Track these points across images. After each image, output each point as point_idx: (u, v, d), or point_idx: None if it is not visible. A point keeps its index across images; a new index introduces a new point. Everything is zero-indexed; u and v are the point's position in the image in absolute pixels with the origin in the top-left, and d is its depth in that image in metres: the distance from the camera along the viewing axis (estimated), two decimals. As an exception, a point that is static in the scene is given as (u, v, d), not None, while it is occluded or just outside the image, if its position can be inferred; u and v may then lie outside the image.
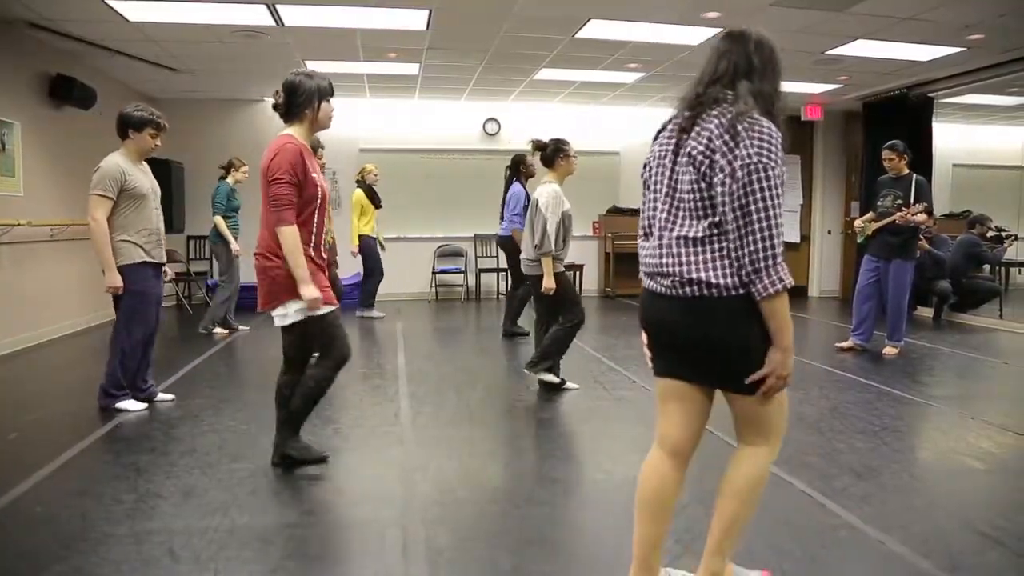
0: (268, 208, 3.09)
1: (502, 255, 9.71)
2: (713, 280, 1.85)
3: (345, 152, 9.35)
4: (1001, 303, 7.94)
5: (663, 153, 1.99)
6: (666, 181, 1.97)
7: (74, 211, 7.00)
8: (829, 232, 10.36)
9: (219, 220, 6.80)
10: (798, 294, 10.36)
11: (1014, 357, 6.17)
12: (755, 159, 1.78)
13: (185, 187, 9.09)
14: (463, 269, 10.03)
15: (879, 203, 6.11)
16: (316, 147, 5.05)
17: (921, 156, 8.58)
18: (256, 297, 3.21)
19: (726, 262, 1.84)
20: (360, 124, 9.51)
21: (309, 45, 6.90)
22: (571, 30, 6.36)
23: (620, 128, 10.14)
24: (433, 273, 9.91)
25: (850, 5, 5.56)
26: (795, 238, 10.44)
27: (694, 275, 1.87)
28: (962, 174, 10.60)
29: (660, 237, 1.96)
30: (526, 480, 3.29)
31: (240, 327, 7.12)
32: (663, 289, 1.94)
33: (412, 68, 7.76)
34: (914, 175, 5.98)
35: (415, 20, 6.09)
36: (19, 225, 5.94)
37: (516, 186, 6.77)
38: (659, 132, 2.07)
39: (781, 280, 1.80)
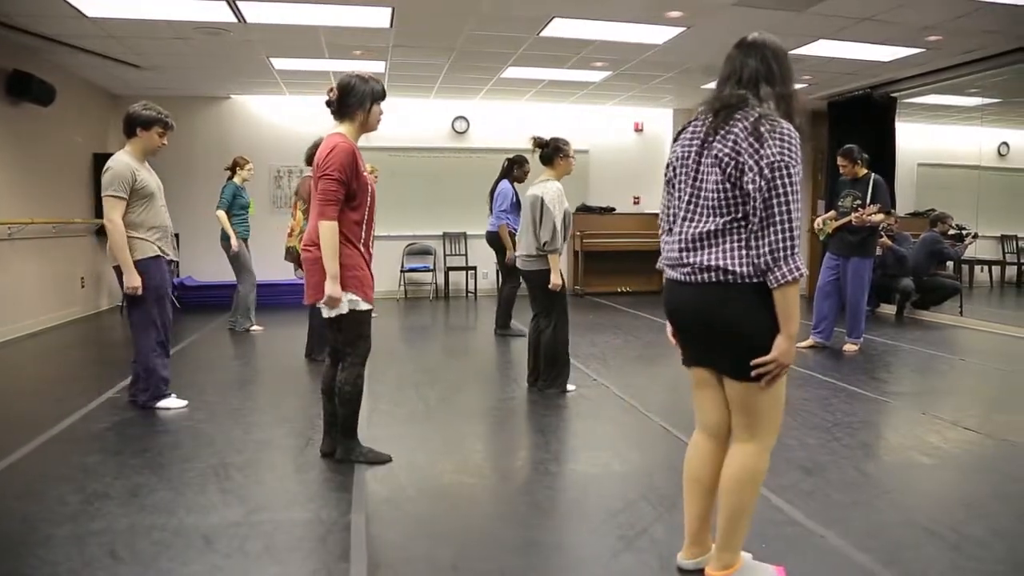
0: (316, 201, 3.13)
1: (473, 253, 9.80)
2: (730, 267, 1.99)
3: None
4: (962, 300, 8.08)
5: (686, 154, 2.12)
6: (690, 181, 2.10)
7: (34, 209, 6.89)
8: (816, 230, 10.42)
9: (221, 215, 6.71)
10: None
11: (971, 354, 6.30)
12: (778, 158, 1.92)
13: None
14: (432, 267, 10.01)
15: (839, 203, 6.21)
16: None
17: (885, 155, 8.73)
18: (304, 293, 3.29)
19: (743, 252, 1.98)
20: (328, 122, 9.41)
21: (273, 42, 6.84)
22: (535, 28, 6.37)
23: (588, 127, 10.19)
24: (402, 271, 9.88)
25: (810, 5, 5.62)
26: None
27: (712, 262, 2.01)
28: (927, 173, 10.77)
29: (681, 232, 2.10)
30: (476, 478, 3.29)
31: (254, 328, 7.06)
32: (682, 277, 2.09)
33: (378, 66, 7.72)
34: (873, 175, 6.07)
35: (378, 18, 6.07)
36: (-26, 223, 5.85)
37: (504, 183, 6.78)
38: (679, 133, 2.19)
39: (797, 269, 1.93)
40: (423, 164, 9.95)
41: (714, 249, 2.02)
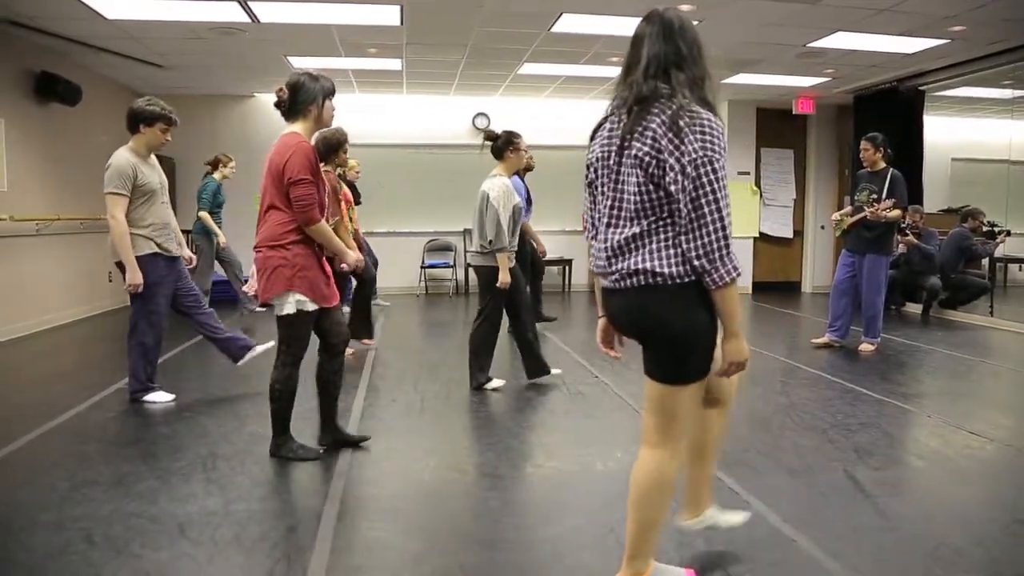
0: (286, 206, 3.16)
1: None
2: (658, 268, 1.89)
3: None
4: (992, 300, 7.81)
5: (606, 155, 1.99)
6: (611, 184, 1.98)
7: (60, 206, 7.12)
8: (822, 227, 10.23)
9: (205, 215, 6.86)
10: (791, 290, 10.30)
11: (995, 356, 6.08)
12: (700, 154, 1.81)
13: (176, 183, 9.18)
14: (452, 263, 10.06)
15: (856, 197, 6.06)
16: (343, 142, 5.26)
17: (913, 150, 8.50)
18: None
19: (671, 251, 1.88)
20: (349, 119, 9.48)
21: (289, 41, 6.95)
22: (545, 24, 6.35)
23: (610, 122, 10.09)
24: (422, 267, 9.95)
25: (823, -4, 5.51)
26: (787, 233, 10.34)
27: (639, 265, 1.92)
28: (961, 168, 10.44)
29: (607, 239, 1.99)
30: (457, 473, 3.30)
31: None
32: (612, 284, 2.00)
33: (395, 64, 7.78)
34: (891, 169, 5.91)
35: (388, 16, 6.11)
36: (0, 220, 6.04)
37: (514, 178, 6.76)
38: (595, 130, 2.06)
39: (735, 269, 1.85)
40: (444, 161, 9.99)
41: (640, 251, 1.91)
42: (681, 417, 2.01)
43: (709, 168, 1.82)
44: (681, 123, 1.83)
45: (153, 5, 5.76)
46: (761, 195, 10.28)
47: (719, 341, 1.95)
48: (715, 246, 1.83)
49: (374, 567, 2.41)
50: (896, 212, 5.82)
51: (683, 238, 1.85)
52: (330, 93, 3.27)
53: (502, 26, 6.43)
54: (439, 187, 9.98)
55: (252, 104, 9.47)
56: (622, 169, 1.94)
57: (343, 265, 3.58)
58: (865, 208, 5.84)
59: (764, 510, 2.79)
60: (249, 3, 5.74)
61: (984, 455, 3.55)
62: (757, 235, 10.29)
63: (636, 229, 1.92)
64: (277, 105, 3.25)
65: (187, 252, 4.53)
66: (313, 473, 3.23)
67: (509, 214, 4.44)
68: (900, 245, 7.74)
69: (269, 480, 3.18)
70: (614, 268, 1.97)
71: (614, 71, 8.17)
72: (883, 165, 5.95)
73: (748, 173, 10.15)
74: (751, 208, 10.20)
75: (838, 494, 3.01)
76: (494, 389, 4.63)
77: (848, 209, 6.17)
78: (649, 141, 1.87)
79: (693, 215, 1.83)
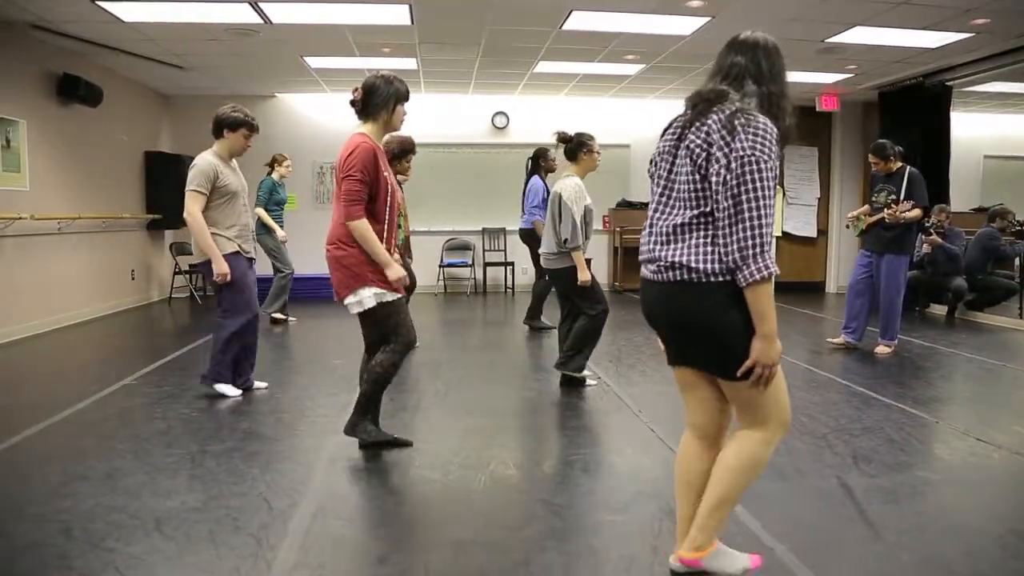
0: (339, 201, 3.23)
1: (511, 249, 9.79)
2: (694, 264, 1.93)
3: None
4: (1022, 301, 7.53)
5: (667, 148, 2.09)
6: (665, 174, 2.07)
7: (82, 205, 7.29)
8: (847, 227, 9.99)
9: (261, 211, 6.96)
10: (815, 290, 10.09)
11: (1018, 360, 5.82)
12: (749, 152, 1.86)
13: (199, 182, 9.36)
14: (471, 263, 10.06)
15: (873, 198, 5.92)
16: (406, 153, 5.31)
17: (939, 147, 8.27)
18: (333, 289, 3.37)
19: (709, 248, 1.93)
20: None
21: (304, 42, 7.01)
22: (556, 22, 6.31)
23: (629, 121, 10.00)
24: (440, 267, 9.97)
25: (837, -9, 5.38)
26: (811, 232, 10.13)
27: (676, 259, 1.97)
28: (994, 166, 10.13)
29: (653, 225, 2.08)
30: (439, 473, 3.28)
31: (290, 318, 7.29)
32: (651, 274, 2.06)
33: (410, 63, 7.81)
34: (908, 168, 5.75)
35: (398, 15, 6.13)
36: (20, 219, 6.20)
37: (535, 179, 6.80)
38: (666, 129, 2.16)
39: (767, 268, 1.86)
40: (462, 159, 10.01)
41: (680, 244, 1.97)
42: (762, 408, 2.03)
43: (755, 167, 1.85)
44: (736, 122, 1.90)
45: (168, 8, 5.86)
46: (784, 194, 10.09)
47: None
48: (750, 243, 1.85)
49: (338, 565, 2.41)
50: (916, 212, 5.65)
51: (721, 233, 1.89)
52: (403, 98, 3.35)
53: (513, 24, 6.41)
54: (458, 186, 10.00)
55: (273, 104, 9.58)
56: (677, 160, 2.03)
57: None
58: (884, 211, 5.69)
59: (746, 515, 2.72)
60: (260, 4, 5.81)
61: (989, 463, 3.42)
62: (780, 234, 10.10)
63: (680, 219, 1.98)
64: (352, 104, 3.34)
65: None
66: (296, 470, 3.25)
67: (582, 214, 4.45)
68: (924, 245, 7.53)
69: (254, 477, 3.19)
70: (655, 255, 2.03)
71: (632, 68, 8.11)
72: (898, 165, 5.79)
73: (771, 171, 9.96)
74: (774, 207, 10.01)
75: (827, 501, 2.93)
76: (589, 385, 4.68)
77: (866, 208, 6.02)
78: (703, 135, 1.95)
79: (732, 210, 1.86)
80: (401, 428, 3.93)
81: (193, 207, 4.11)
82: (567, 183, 4.52)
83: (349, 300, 3.28)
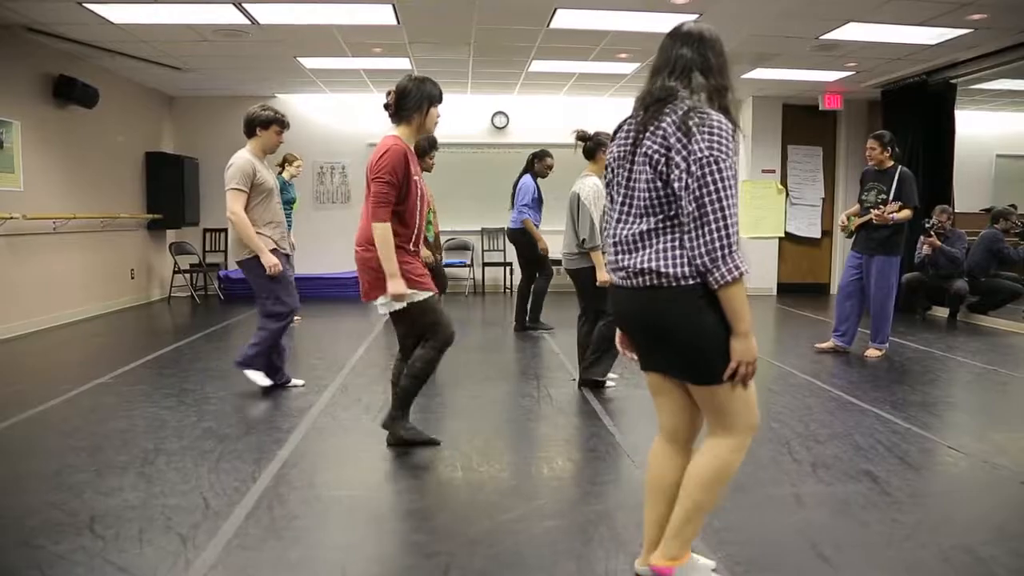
0: (368, 204, 3.25)
1: (511, 249, 9.72)
2: (663, 269, 1.92)
3: (352, 147, 9.51)
4: (1027, 305, 7.34)
5: (622, 154, 2.05)
6: (624, 181, 2.03)
7: (77, 205, 7.38)
8: (842, 231, 9.84)
9: None
10: (818, 292, 9.91)
11: (1011, 364, 5.61)
12: (707, 153, 1.84)
13: (200, 182, 9.46)
14: (469, 263, 10.04)
15: (863, 197, 5.79)
16: (432, 147, 5.33)
17: (943, 146, 8.09)
18: (359, 289, 3.41)
19: (677, 252, 1.91)
20: (367, 119, 9.61)
21: (296, 42, 7.04)
22: (542, 20, 6.27)
23: (630, 120, 9.90)
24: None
25: (824, -14, 5.27)
26: (815, 233, 9.96)
27: (644, 265, 1.95)
28: (1005, 165, 9.88)
29: (616, 234, 2.05)
30: (394, 478, 3.27)
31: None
32: (620, 281, 2.05)
33: (403, 63, 7.81)
34: (899, 168, 5.61)
35: (382, 15, 6.13)
36: (12, 219, 6.29)
37: (526, 178, 6.80)
38: (616, 132, 2.13)
39: (737, 268, 1.84)
40: (462, 159, 9.99)
41: (647, 250, 1.95)
42: (732, 412, 2.01)
43: (714, 167, 1.83)
44: (691, 123, 1.87)
45: (153, 10, 5.91)
46: (788, 194, 9.93)
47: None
48: (717, 244, 1.83)
49: (259, 568, 2.39)
50: (905, 213, 5.52)
51: (687, 237, 1.87)
52: (436, 100, 3.36)
53: (499, 23, 6.38)
54: (457, 186, 9.97)
55: (274, 104, 9.55)
56: (634, 167, 1.99)
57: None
58: (872, 211, 5.56)
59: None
60: (244, 5, 5.84)
61: (954, 472, 3.32)
62: (783, 235, 9.95)
63: (644, 226, 1.96)
64: (385, 108, 3.36)
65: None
66: (243, 470, 3.24)
67: (600, 213, 4.43)
68: (924, 247, 7.37)
69: (200, 476, 3.19)
70: (621, 264, 2.02)
71: (628, 67, 8.04)
72: (891, 163, 5.66)
73: (773, 171, 9.82)
74: (776, 207, 9.87)
75: (774, 510, 2.85)
76: (609, 386, 4.66)
77: (855, 208, 5.90)
78: (659, 139, 1.91)
79: (696, 213, 1.84)
80: (360, 429, 3.92)
81: (235, 205, 4.17)
82: (586, 183, 4.52)
83: (379, 302, 3.30)
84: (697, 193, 1.83)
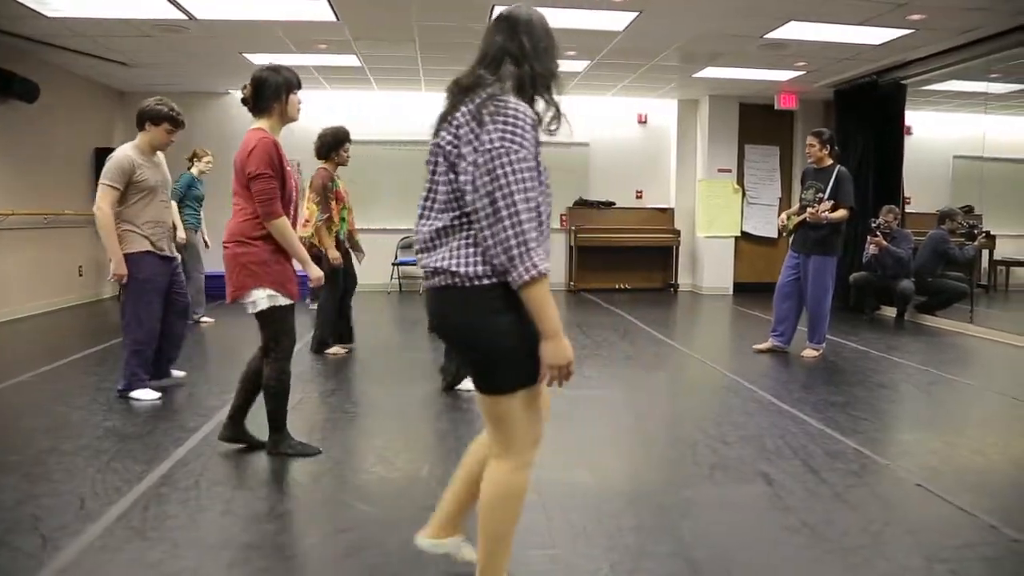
0: (249, 202, 3.18)
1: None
2: (455, 268, 1.81)
3: (306, 143, 9.38)
4: (972, 305, 7.37)
5: (431, 147, 1.95)
6: (431, 175, 1.94)
7: (17, 201, 7.26)
8: (781, 232, 9.87)
9: (173, 207, 6.84)
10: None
11: (945, 366, 5.58)
12: (498, 144, 1.73)
13: (153, 178, 9.33)
14: (426, 261, 9.97)
15: (802, 195, 5.79)
16: (345, 140, 5.43)
17: (894, 147, 8.12)
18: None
19: (471, 251, 1.80)
20: (322, 117, 9.48)
21: (239, 38, 6.95)
22: (482, 17, 6.21)
23: (589, 119, 9.88)
24: (394, 264, 9.91)
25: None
26: (772, 233, 9.97)
27: (439, 264, 1.84)
28: (964, 166, 9.91)
29: (419, 231, 1.94)
30: (279, 479, 3.22)
31: (204, 319, 7.07)
32: (425, 281, 1.96)
33: (351, 59, 7.74)
34: (837, 167, 5.61)
35: (319, 11, 6.06)
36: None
37: None
38: (436, 122, 2.03)
39: (535, 267, 1.72)
40: (417, 157, 9.82)
41: (442, 249, 1.84)
42: (515, 427, 1.89)
43: (505, 160, 1.72)
44: (485, 112, 1.76)
45: (84, 2, 5.81)
46: (744, 193, 9.94)
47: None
48: (513, 242, 1.71)
49: (115, 569, 2.34)
50: (840, 213, 5.52)
51: (482, 236, 1.76)
52: (294, 86, 3.27)
53: (440, 20, 6.33)
54: (413, 184, 9.83)
55: (227, 101, 9.54)
56: (439, 160, 1.88)
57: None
58: (807, 209, 5.57)
59: (567, 532, 2.62)
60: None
61: (851, 478, 3.27)
62: (739, 234, 9.96)
63: (440, 223, 1.85)
64: (243, 102, 3.27)
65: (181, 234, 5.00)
66: (132, 469, 3.17)
67: None
68: (871, 246, 7.39)
69: (85, 476, 3.12)
70: (422, 263, 1.92)
71: (578, 64, 8.00)
72: (830, 162, 5.66)
73: (729, 171, 9.83)
74: (733, 207, 9.87)
75: (661, 514, 2.81)
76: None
77: (794, 208, 5.90)
78: (453, 130, 1.83)
79: (489, 210, 1.73)
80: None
81: (103, 202, 4.00)
82: None
83: (247, 300, 3.23)
84: (489, 188, 1.72)
